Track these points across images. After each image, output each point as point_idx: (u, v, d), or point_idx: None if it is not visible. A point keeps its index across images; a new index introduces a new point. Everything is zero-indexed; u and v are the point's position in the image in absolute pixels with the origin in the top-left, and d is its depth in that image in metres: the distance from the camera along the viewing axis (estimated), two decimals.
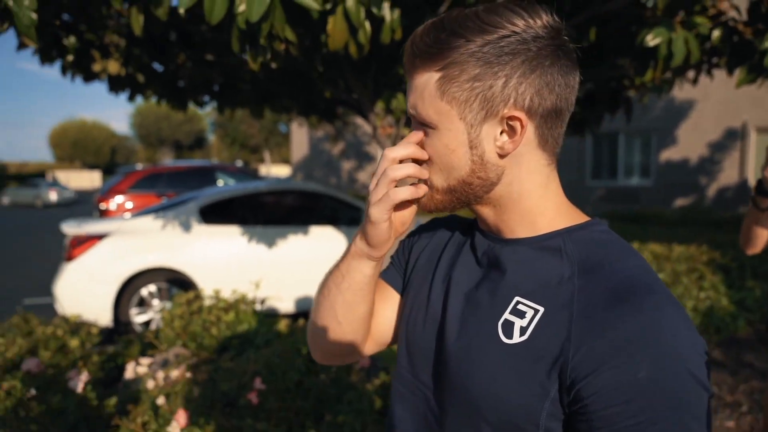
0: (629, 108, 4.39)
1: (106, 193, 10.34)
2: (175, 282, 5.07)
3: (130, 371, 2.85)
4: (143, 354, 3.52)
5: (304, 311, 5.50)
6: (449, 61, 0.73)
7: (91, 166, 58.15)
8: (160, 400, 2.49)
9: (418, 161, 0.80)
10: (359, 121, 21.04)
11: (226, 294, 3.86)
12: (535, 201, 0.79)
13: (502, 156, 0.76)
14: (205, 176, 11.19)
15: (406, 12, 2.55)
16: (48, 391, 2.70)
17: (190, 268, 5.07)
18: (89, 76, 3.72)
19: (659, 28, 2.62)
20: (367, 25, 2.36)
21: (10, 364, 3.08)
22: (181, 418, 2.38)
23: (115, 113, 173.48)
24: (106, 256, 4.88)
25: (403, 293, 0.97)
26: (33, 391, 2.66)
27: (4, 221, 18.62)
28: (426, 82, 0.75)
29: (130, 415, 2.49)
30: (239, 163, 37.39)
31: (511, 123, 0.74)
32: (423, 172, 0.78)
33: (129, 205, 10.11)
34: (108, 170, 53.25)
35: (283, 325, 3.71)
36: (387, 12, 2.44)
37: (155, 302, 5.04)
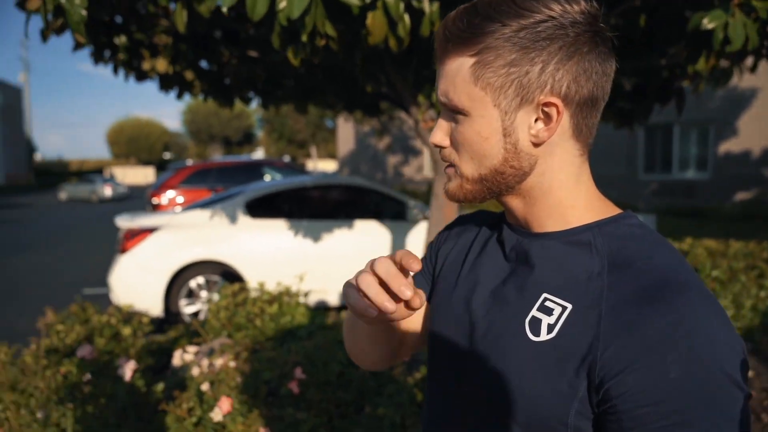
0: (681, 99, 4.22)
1: (158, 188, 10.68)
2: (223, 274, 5.20)
3: (177, 359, 2.95)
4: (190, 343, 3.63)
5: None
6: (483, 46, 0.71)
7: (146, 163, 60.15)
8: (205, 387, 2.56)
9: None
10: (404, 115, 21.02)
11: (271, 286, 3.93)
12: (567, 193, 0.76)
13: (536, 144, 0.74)
14: (252, 171, 11.41)
15: (446, 4, 2.53)
16: (101, 377, 2.82)
17: (236, 261, 5.20)
18: (141, 75, 3.84)
19: (716, 11, 2.51)
20: (407, 18, 2.36)
21: (69, 350, 3.23)
22: (224, 404, 2.45)
23: (167, 111, 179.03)
24: (157, 248, 5.05)
25: (430, 297, 0.96)
26: (88, 375, 2.78)
27: (63, 216, 19.48)
28: (459, 67, 0.74)
29: (175, 401, 2.58)
30: (286, 159, 37.95)
31: (546, 110, 0.72)
32: (387, 306, 0.69)
33: (180, 199, 10.41)
34: (161, 166, 54.99)
35: (325, 318, 3.76)
36: (426, 4, 2.43)
37: (203, 294, 5.18)
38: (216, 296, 4.41)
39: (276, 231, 5.37)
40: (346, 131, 24.73)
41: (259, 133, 56.56)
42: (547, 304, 0.73)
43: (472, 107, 0.74)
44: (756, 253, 5.35)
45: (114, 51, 3.58)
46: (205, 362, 2.70)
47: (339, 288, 5.48)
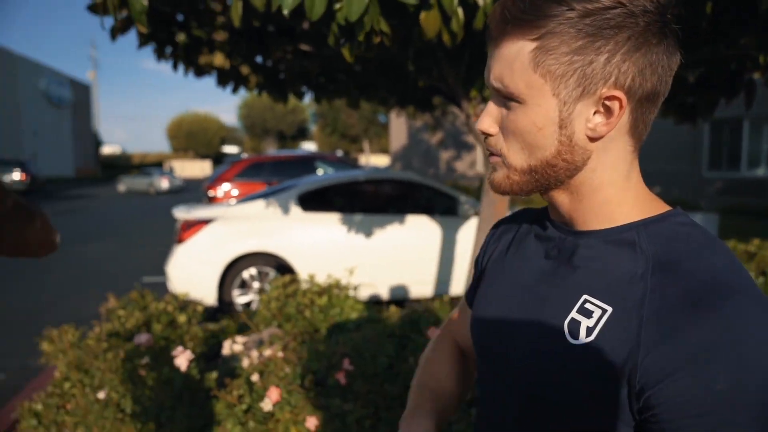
0: (751, 92, 4.00)
1: (214, 181, 10.97)
2: (274, 266, 5.29)
3: (227, 348, 3.02)
4: (241, 332, 3.72)
5: (397, 298, 5.57)
6: (547, 30, 0.67)
7: (203, 156, 61.92)
8: (255, 377, 2.61)
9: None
10: (457, 110, 20.85)
11: (321, 279, 3.98)
12: (616, 191, 0.73)
13: (592, 139, 0.70)
14: (305, 165, 11.57)
15: None
16: (158, 361, 2.92)
17: (288, 253, 5.28)
18: (199, 71, 3.95)
19: None
20: (460, 12, 2.32)
21: (129, 334, 3.36)
22: (273, 394, 2.49)
23: (224, 106, 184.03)
24: (211, 240, 5.19)
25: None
26: (146, 359, 2.89)
27: (124, 207, 20.29)
28: (518, 51, 0.69)
29: (227, 388, 2.64)
30: (339, 153, 38.31)
31: (608, 104, 0.68)
32: None
33: (234, 192, 10.67)
34: (217, 160, 56.50)
35: (375, 311, 3.78)
36: None
37: (255, 284, 5.29)
38: (267, 287, 4.50)
39: (327, 224, 5.43)
40: (398, 126, 24.74)
41: (313, 128, 57.32)
42: (587, 306, 0.70)
43: (528, 95, 0.69)
44: None
45: (175, 47, 3.69)
46: (255, 353, 2.75)
47: (388, 282, 5.49)
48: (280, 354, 2.70)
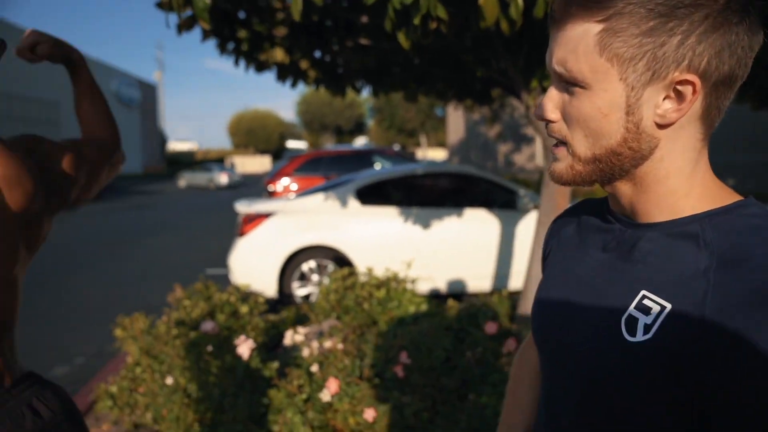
0: None
1: (274, 175, 11.21)
2: (333, 259, 5.36)
3: (288, 338, 3.09)
4: (298, 324, 3.79)
5: (454, 292, 5.54)
6: (615, 11, 0.63)
7: (262, 152, 63.34)
8: (314, 368, 2.66)
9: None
10: (515, 102, 20.49)
11: (379, 272, 4.00)
12: (682, 181, 0.68)
13: (660, 126, 0.66)
14: (363, 159, 11.65)
15: None
16: (221, 349, 3.02)
17: (346, 246, 5.34)
18: (260, 66, 4.04)
19: None
20: None
21: (194, 323, 3.49)
22: (332, 385, 2.53)
23: (283, 103, 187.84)
24: (272, 233, 5.30)
25: None
26: (210, 347, 2.99)
27: (187, 202, 21.02)
28: (583, 34, 0.65)
29: (287, 378, 2.70)
30: (396, 147, 38.36)
31: (680, 88, 0.63)
32: None
33: (293, 186, 10.87)
34: (277, 155, 57.66)
35: (433, 305, 3.77)
36: None
37: (314, 277, 5.38)
38: (326, 280, 4.56)
39: (385, 218, 5.46)
40: (456, 119, 24.54)
41: (370, 122, 57.63)
42: (646, 302, 0.66)
43: (593, 79, 0.66)
44: None
45: (237, 43, 3.79)
46: (314, 344, 2.80)
47: (446, 275, 5.47)
48: (340, 346, 2.74)
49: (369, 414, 2.51)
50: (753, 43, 0.64)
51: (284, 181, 10.98)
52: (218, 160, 52.66)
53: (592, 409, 0.70)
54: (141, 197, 23.00)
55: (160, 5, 2.99)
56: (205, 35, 3.57)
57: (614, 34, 0.64)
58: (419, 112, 34.80)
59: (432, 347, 2.81)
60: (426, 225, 5.45)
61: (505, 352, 3.04)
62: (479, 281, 5.53)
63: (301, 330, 3.17)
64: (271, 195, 10.80)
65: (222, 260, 7.95)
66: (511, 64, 3.58)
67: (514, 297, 4.57)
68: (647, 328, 0.64)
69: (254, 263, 5.28)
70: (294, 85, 4.31)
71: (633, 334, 0.65)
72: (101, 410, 3.19)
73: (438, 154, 45.39)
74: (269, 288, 5.26)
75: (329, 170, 11.07)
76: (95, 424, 3.19)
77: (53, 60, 1.25)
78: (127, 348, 3.43)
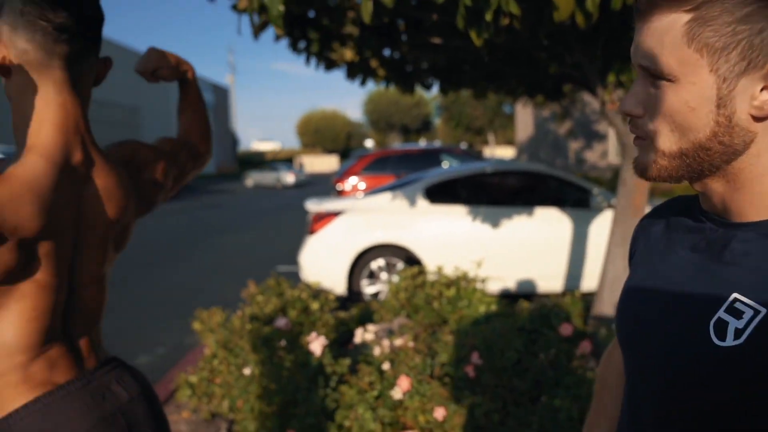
0: None
1: (342, 174, 11.36)
2: (402, 257, 5.38)
3: (358, 336, 3.12)
4: (365, 322, 3.82)
5: (524, 292, 5.44)
6: None
7: (330, 151, 64.35)
8: (386, 365, 2.68)
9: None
10: (587, 97, 19.87)
11: (448, 271, 3.99)
12: None
13: (757, 119, 0.62)
14: (430, 158, 11.63)
15: None
16: (294, 345, 3.09)
17: (415, 245, 5.35)
18: (330, 64, 4.11)
19: None
20: None
21: (268, 318, 3.59)
22: (403, 383, 2.54)
23: (349, 103, 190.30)
24: (341, 231, 5.38)
25: None
26: (283, 342, 3.07)
27: (256, 200, 21.64)
28: (669, 25, 0.63)
29: (359, 374, 2.73)
30: (463, 146, 38.05)
31: None
32: None
33: (361, 185, 10.98)
34: (344, 154, 58.42)
35: (503, 305, 3.72)
36: None
37: (383, 275, 5.41)
38: (395, 278, 4.59)
39: (454, 216, 5.43)
40: (524, 117, 24.07)
41: (437, 121, 57.42)
42: (737, 305, 0.62)
43: (681, 72, 0.63)
44: None
45: (307, 43, 3.87)
46: (385, 342, 2.82)
47: (516, 275, 5.38)
48: (411, 344, 2.75)
49: (439, 413, 2.51)
50: None
51: (352, 180, 11.11)
52: (287, 160, 53.92)
53: (676, 414, 0.67)
54: (213, 196, 23.89)
55: (234, 7, 3.09)
56: (278, 36, 3.67)
57: (704, 23, 0.61)
58: (487, 110, 34.35)
59: (504, 348, 2.78)
60: (495, 224, 5.37)
61: (579, 355, 2.96)
62: (550, 282, 5.41)
63: (371, 328, 3.20)
64: (340, 194, 10.96)
65: (291, 258, 8.15)
66: (586, 58, 3.47)
67: (587, 298, 4.44)
68: (738, 333, 0.61)
69: (324, 261, 5.38)
70: (363, 83, 4.35)
71: (722, 338, 0.62)
72: (181, 399, 3.34)
73: (506, 153, 44.68)
74: (338, 285, 5.34)
75: (396, 169, 11.11)
76: (176, 411, 3.34)
77: (170, 80, 1.33)
78: (205, 340, 3.58)
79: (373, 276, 5.45)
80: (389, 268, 5.42)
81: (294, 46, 3.89)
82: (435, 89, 4.96)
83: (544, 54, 3.61)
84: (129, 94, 31.51)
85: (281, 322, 3.15)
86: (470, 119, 37.22)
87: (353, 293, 5.40)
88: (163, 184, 1.25)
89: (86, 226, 1.06)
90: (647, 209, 3.73)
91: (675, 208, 0.83)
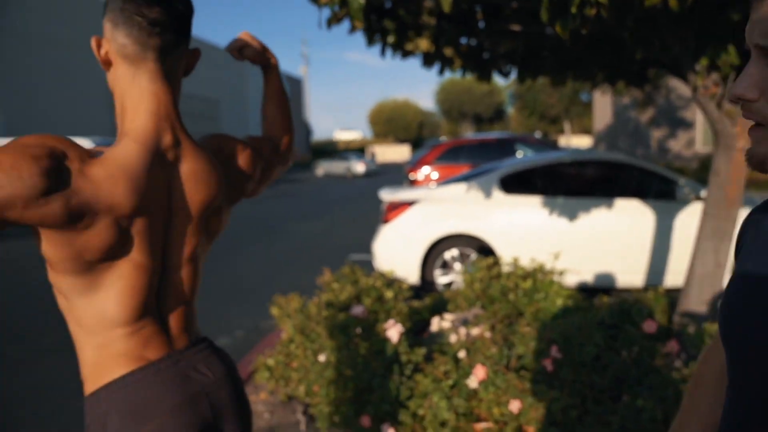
0: None
1: (415, 164, 11.35)
2: (476, 248, 5.33)
3: (435, 325, 3.12)
4: (438, 312, 3.81)
5: (602, 286, 5.26)
6: None
7: (402, 141, 64.41)
8: (461, 354, 2.67)
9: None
10: (672, 83, 18.84)
11: (523, 263, 3.91)
12: None
13: None
14: (504, 148, 11.41)
15: None
16: (369, 332, 3.13)
17: (489, 235, 5.28)
18: (405, 54, 4.10)
19: None
20: None
21: (343, 305, 3.66)
22: (479, 372, 2.52)
23: (421, 92, 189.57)
24: (415, 221, 5.39)
25: None
26: (359, 329, 3.11)
27: (328, 189, 21.97)
28: None
29: (434, 363, 2.74)
30: (538, 135, 37.11)
31: None
32: None
33: (434, 175, 10.93)
34: (416, 144, 58.35)
35: (580, 298, 3.62)
36: None
37: (456, 265, 5.38)
38: (469, 268, 4.55)
39: (530, 207, 5.31)
40: (603, 104, 23.17)
41: (510, 110, 56.25)
42: None
43: None
44: None
45: (383, 33, 3.87)
46: (462, 330, 2.81)
47: (594, 268, 5.21)
48: (487, 334, 2.72)
49: (514, 405, 2.47)
50: None
51: (425, 170, 11.08)
52: (359, 150, 54.44)
53: None
54: (289, 185, 24.50)
55: (315, 0, 3.13)
56: (354, 28, 3.69)
57: None
58: (563, 98, 33.30)
59: (583, 342, 2.70)
60: (573, 215, 5.22)
61: (664, 353, 2.84)
62: (631, 276, 5.20)
63: (448, 317, 3.19)
64: (413, 183, 10.96)
65: (364, 246, 8.24)
66: (676, 41, 3.29)
67: (672, 295, 4.24)
68: None
69: (398, 250, 5.40)
70: (441, 72, 4.32)
71: None
72: (259, 381, 3.46)
73: (582, 142, 43.25)
74: (412, 275, 5.36)
75: (470, 159, 10.98)
76: (254, 392, 3.47)
77: (254, 62, 1.38)
78: (282, 325, 3.69)
79: (446, 266, 5.43)
80: (463, 258, 5.38)
81: (370, 39, 3.90)
82: (512, 76, 4.85)
83: (630, 39, 3.44)
84: (209, 88, 32.74)
85: (358, 309, 3.20)
86: (545, 107, 36.22)
87: (426, 283, 5.40)
88: (251, 175, 1.30)
89: (177, 208, 1.12)
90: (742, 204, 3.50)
91: None
